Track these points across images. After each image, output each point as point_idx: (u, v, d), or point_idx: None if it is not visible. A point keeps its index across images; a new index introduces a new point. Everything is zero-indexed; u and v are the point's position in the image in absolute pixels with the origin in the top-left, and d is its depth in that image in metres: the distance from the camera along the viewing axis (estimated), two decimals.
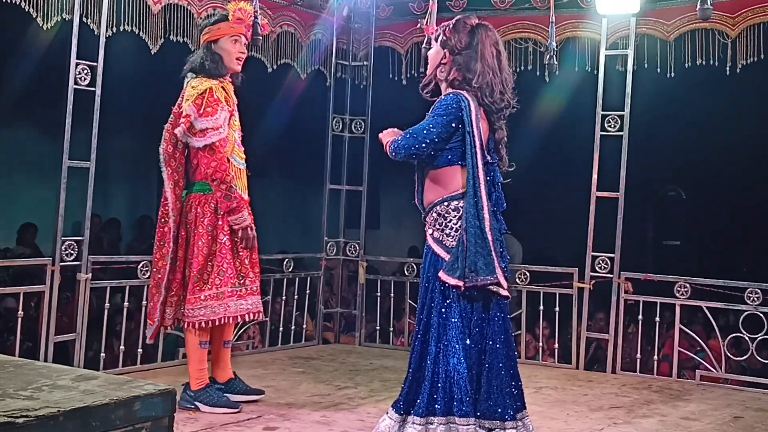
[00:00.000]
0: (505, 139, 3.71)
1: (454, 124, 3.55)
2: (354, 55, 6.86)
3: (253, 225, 4.46)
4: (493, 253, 3.51)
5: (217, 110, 4.31)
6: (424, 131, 3.56)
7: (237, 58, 4.51)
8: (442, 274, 3.53)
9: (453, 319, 3.52)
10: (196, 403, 4.46)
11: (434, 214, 3.64)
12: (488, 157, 3.64)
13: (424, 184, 3.70)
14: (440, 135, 3.56)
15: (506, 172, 3.75)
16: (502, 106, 3.65)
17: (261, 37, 4.74)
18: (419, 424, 3.52)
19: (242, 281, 4.43)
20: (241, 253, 4.45)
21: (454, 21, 3.72)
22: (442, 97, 3.65)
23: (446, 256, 3.54)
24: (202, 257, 4.38)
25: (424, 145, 3.56)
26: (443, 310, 3.55)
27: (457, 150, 3.59)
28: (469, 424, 3.46)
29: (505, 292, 3.59)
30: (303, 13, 6.34)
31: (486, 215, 3.53)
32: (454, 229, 3.56)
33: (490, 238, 3.52)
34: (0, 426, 1.94)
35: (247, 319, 4.57)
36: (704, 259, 10.49)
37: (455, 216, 3.57)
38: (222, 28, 4.47)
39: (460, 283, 3.49)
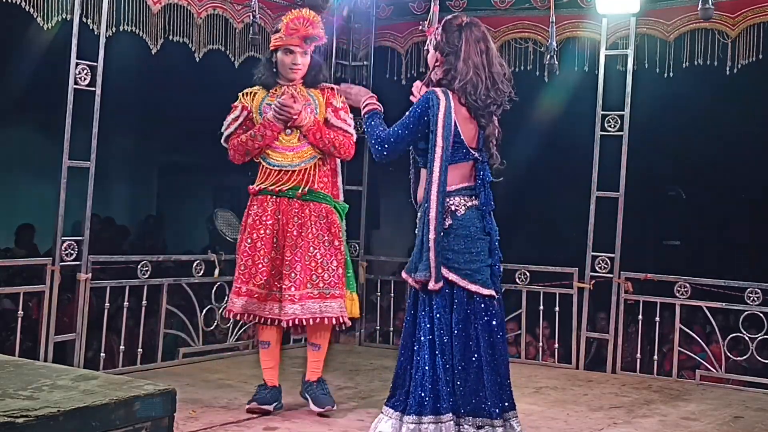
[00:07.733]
0: (496, 135, 3.64)
1: (420, 126, 3.56)
2: (354, 55, 6.85)
3: (290, 111, 4.42)
4: (431, 252, 3.49)
5: (231, 114, 4.57)
6: (392, 138, 3.64)
7: (290, 68, 4.51)
8: (403, 272, 3.60)
9: (427, 315, 3.53)
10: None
11: (419, 214, 3.64)
12: (477, 155, 3.61)
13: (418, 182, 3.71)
14: (405, 138, 3.61)
15: (499, 169, 3.71)
16: (488, 103, 3.58)
17: (323, 45, 4.68)
18: (396, 419, 3.53)
19: (247, 281, 4.45)
20: (258, 250, 4.46)
21: (443, 23, 3.68)
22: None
23: None
24: (238, 253, 4.56)
25: (388, 149, 3.65)
26: (420, 306, 3.57)
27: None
28: (428, 422, 3.44)
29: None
30: None
31: (432, 216, 3.50)
32: None
33: (432, 237, 3.49)
34: (0, 426, 1.94)
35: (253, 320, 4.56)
36: (704, 259, 10.49)
37: None
38: (277, 40, 4.48)
39: (405, 275, 3.57)
